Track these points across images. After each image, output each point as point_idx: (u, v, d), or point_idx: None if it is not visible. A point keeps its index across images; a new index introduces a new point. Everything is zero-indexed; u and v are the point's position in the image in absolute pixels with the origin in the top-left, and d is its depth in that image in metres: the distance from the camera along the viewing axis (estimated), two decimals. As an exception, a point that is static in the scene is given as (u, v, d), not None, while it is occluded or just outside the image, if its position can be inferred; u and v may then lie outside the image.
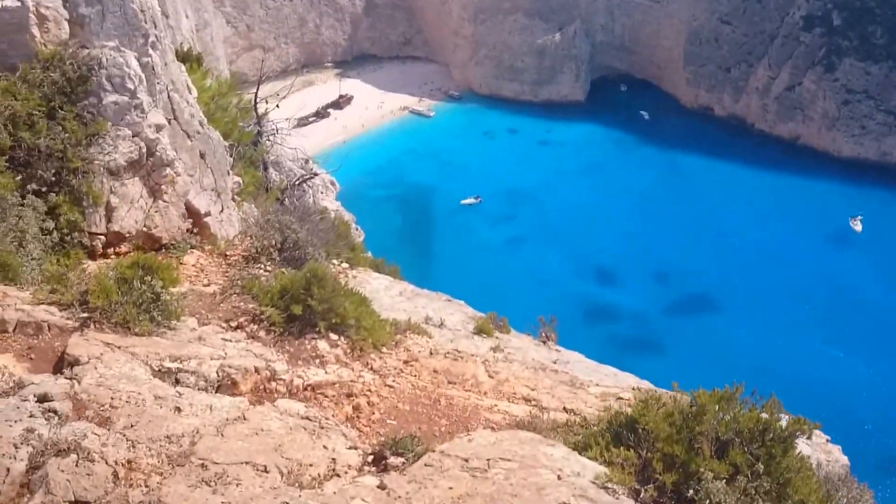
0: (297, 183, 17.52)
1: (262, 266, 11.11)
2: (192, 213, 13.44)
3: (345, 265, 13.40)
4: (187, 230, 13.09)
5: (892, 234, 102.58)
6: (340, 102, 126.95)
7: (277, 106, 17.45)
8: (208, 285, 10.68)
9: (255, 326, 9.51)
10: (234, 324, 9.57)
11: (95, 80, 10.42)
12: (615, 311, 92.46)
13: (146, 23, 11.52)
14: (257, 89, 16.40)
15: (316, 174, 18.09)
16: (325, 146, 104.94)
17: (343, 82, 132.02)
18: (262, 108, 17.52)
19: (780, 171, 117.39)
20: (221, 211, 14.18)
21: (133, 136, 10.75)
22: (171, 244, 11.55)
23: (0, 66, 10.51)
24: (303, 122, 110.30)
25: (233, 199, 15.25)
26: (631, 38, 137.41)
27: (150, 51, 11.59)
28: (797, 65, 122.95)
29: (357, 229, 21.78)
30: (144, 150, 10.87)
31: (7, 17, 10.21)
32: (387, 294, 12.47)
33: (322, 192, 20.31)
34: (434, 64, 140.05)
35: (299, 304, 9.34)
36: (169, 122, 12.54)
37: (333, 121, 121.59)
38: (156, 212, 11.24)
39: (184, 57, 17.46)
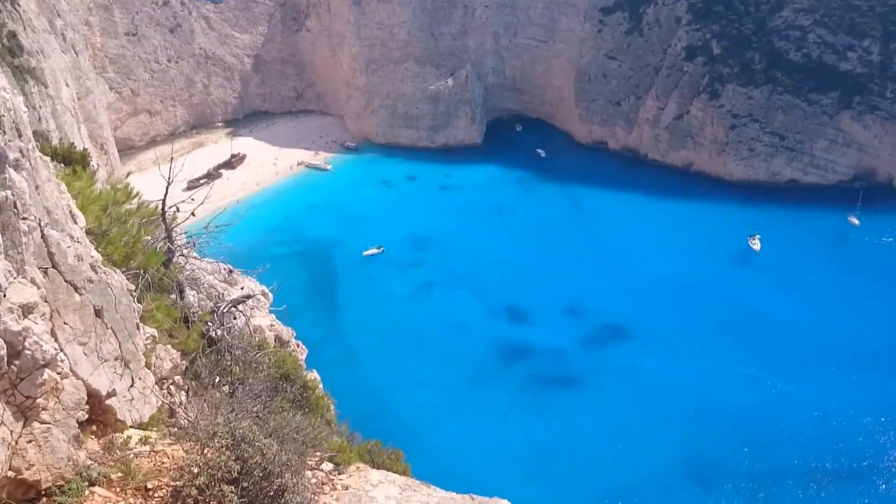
0: (225, 310, 13.28)
1: (214, 515, 6.88)
2: (89, 395, 9.10)
3: (328, 466, 9.17)
4: (86, 420, 8.74)
5: (788, 251, 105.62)
6: (233, 162, 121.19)
7: (193, 214, 13.26)
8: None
9: None
10: None
11: None
12: (530, 349, 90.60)
13: (4, 134, 7.28)
14: (165, 195, 12.22)
15: (249, 296, 13.90)
16: (219, 208, 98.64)
17: (235, 141, 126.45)
18: (170, 215, 13.25)
19: (677, 198, 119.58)
20: (131, 385, 9.84)
21: (-18, 332, 6.44)
22: (58, 487, 7.14)
23: None
24: (193, 184, 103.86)
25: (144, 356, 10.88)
26: (522, 79, 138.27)
27: (11, 176, 7.32)
28: (683, 94, 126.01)
29: (299, 345, 17.67)
30: (4, 350, 6.57)
31: None
32: (403, 517, 8.21)
33: (254, 306, 16.08)
34: (328, 116, 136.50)
35: None
36: (45, 273, 8.25)
37: (227, 181, 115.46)
38: (29, 442, 6.88)
39: (64, 157, 13.09)
